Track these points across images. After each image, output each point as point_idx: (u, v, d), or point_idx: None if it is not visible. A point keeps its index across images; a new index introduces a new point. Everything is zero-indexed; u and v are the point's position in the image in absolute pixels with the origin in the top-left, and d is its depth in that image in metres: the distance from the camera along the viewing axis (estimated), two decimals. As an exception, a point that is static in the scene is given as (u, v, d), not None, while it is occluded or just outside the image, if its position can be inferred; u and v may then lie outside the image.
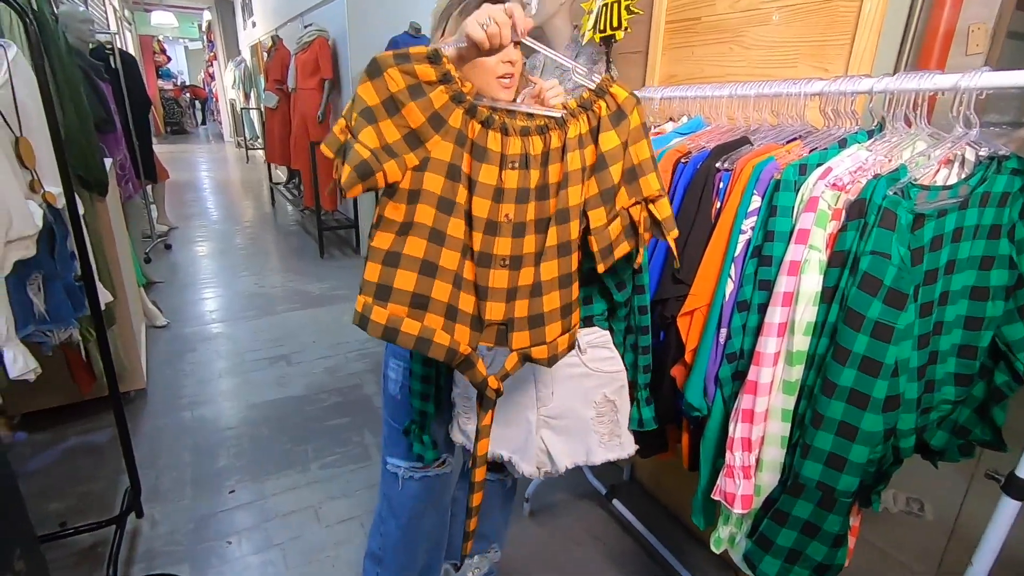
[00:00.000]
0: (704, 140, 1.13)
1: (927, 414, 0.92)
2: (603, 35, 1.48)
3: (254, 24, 7.93)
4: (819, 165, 0.88)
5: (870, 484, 0.92)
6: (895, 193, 0.77)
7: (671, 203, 1.05)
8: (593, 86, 0.77)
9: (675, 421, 1.14)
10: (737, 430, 0.91)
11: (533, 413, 1.01)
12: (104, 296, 1.60)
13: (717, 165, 1.01)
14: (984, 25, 1.13)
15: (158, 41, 11.91)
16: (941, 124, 0.88)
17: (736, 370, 0.95)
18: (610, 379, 1.03)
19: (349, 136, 0.71)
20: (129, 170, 3.26)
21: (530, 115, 0.75)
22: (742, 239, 0.94)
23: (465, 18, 0.92)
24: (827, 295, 0.82)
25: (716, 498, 0.95)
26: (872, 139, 0.93)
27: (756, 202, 0.93)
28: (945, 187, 0.83)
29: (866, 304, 0.76)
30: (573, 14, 1.70)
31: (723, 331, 0.96)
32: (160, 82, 11.83)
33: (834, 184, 0.83)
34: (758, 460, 0.91)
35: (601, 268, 0.82)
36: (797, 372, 0.86)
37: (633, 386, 1.07)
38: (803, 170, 0.89)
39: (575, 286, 0.83)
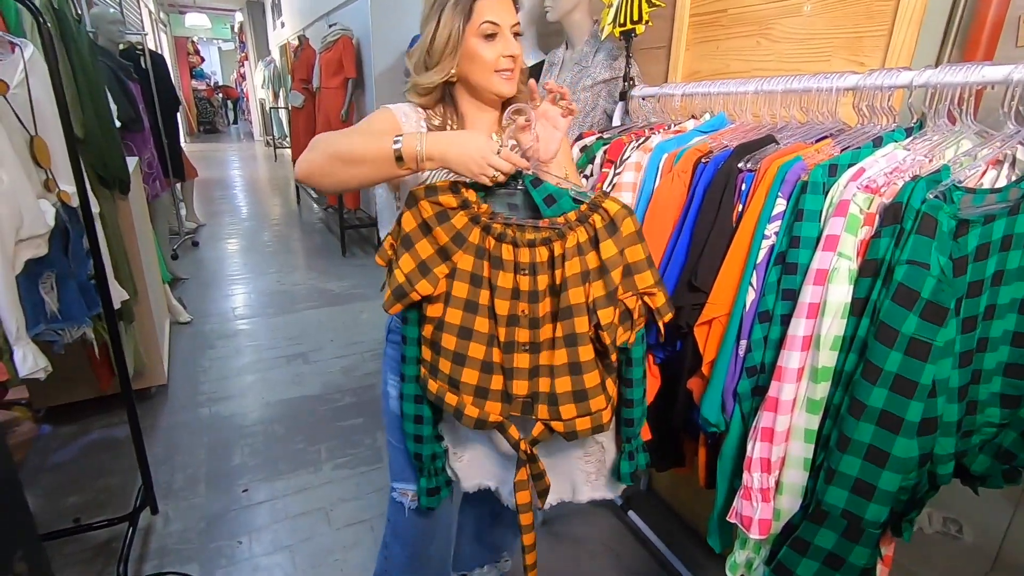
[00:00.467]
0: (727, 139, 1.07)
1: (968, 438, 0.85)
2: (623, 29, 1.41)
3: (283, 24, 8.05)
4: (851, 166, 0.82)
5: (901, 512, 0.85)
6: (936, 196, 0.70)
7: (689, 208, 1.00)
8: (588, 199, 0.87)
9: (691, 434, 1.09)
10: (756, 449, 0.85)
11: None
12: (119, 294, 1.61)
13: (740, 165, 0.95)
14: (1038, 13, 1.03)
15: (192, 42, 12.19)
16: (990, 122, 0.80)
17: (756, 385, 0.89)
18: None
19: (392, 255, 0.91)
20: (156, 168, 3.31)
21: (536, 227, 0.87)
22: (765, 245, 0.88)
23: (459, 14, 0.88)
24: (857, 307, 0.76)
25: (732, 520, 0.89)
26: (911, 137, 0.86)
27: (781, 205, 0.87)
28: (993, 190, 0.75)
29: (901, 318, 0.69)
30: (593, 8, 1.64)
31: (743, 343, 0.90)
32: (194, 82, 12.11)
33: (867, 186, 0.77)
34: (778, 483, 0.85)
35: (613, 358, 0.90)
36: (822, 390, 0.80)
37: (619, 438, 1.03)
38: (833, 171, 0.83)
39: (590, 375, 0.88)
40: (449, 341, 0.90)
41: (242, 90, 13.24)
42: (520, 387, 0.91)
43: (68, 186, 1.33)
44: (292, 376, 2.63)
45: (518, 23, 0.95)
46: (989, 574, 1.23)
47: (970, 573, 1.25)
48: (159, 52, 5.33)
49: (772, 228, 0.87)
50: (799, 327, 0.80)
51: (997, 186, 0.77)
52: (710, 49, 1.43)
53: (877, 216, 0.76)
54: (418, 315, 0.95)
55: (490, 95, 0.98)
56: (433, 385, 0.94)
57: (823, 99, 0.99)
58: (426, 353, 0.95)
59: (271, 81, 8.62)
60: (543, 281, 0.87)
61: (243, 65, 12.21)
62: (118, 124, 2.52)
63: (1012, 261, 0.77)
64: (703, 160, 1.01)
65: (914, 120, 0.89)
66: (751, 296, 0.89)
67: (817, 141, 0.96)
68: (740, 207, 0.94)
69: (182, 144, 5.02)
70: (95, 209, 1.39)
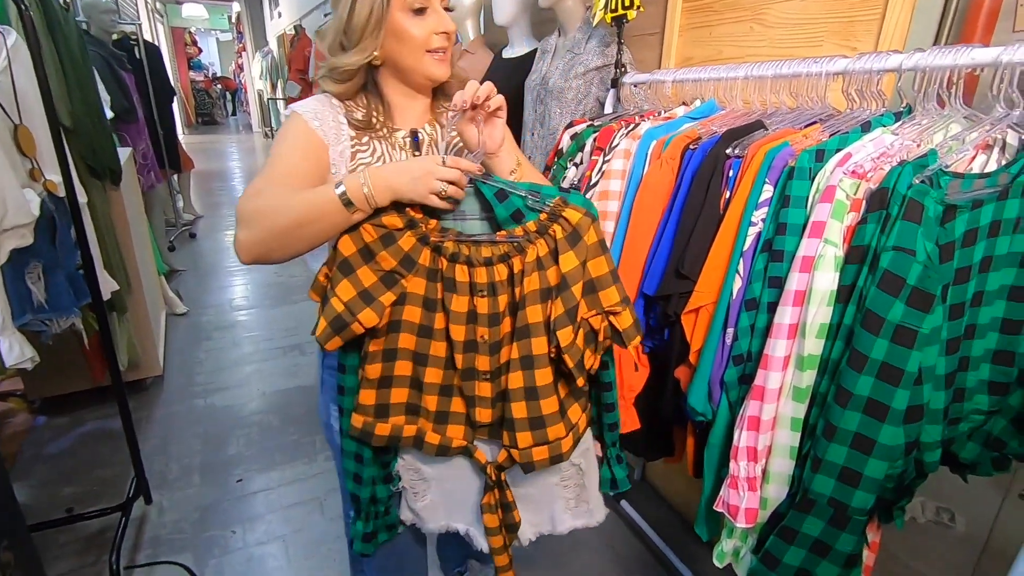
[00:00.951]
0: (716, 125, 1.06)
1: (956, 425, 0.84)
2: (614, 15, 1.39)
3: (280, 14, 7.99)
4: (838, 151, 0.80)
5: (890, 499, 0.85)
6: (923, 181, 0.69)
7: (677, 195, 0.98)
8: (548, 209, 0.78)
9: (681, 423, 1.08)
10: (742, 438, 0.85)
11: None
12: (109, 285, 1.61)
13: (727, 151, 0.93)
14: (1035, -4, 1.02)
15: (189, 33, 12.12)
16: (984, 108, 0.79)
17: (743, 373, 0.88)
18: None
19: (327, 284, 0.79)
20: (151, 159, 3.30)
21: (493, 242, 0.79)
22: (752, 232, 0.87)
23: None
24: (843, 294, 0.75)
25: (719, 509, 0.89)
26: (899, 122, 0.85)
27: (768, 191, 0.85)
28: (982, 175, 0.74)
29: (887, 305, 0.68)
30: (586, -6, 1.62)
31: (730, 331, 0.89)
32: (191, 73, 12.05)
33: (853, 171, 0.75)
34: (764, 471, 0.85)
35: (580, 382, 0.82)
36: (808, 378, 0.79)
37: (602, 444, 0.99)
38: (820, 156, 0.82)
39: (548, 401, 0.81)
40: (404, 367, 0.83)
41: (240, 81, 13.18)
42: (483, 415, 0.85)
43: (55, 175, 1.32)
44: (288, 367, 2.63)
45: None
46: (978, 562, 1.23)
47: (960, 561, 1.26)
48: (154, 42, 5.29)
49: (759, 215, 0.86)
50: (785, 315, 0.79)
51: (986, 171, 0.76)
52: (703, 35, 1.41)
53: (864, 202, 0.74)
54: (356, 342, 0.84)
55: (421, 79, 0.86)
56: (383, 428, 0.85)
57: (813, 84, 0.97)
58: (367, 397, 0.83)
59: (269, 72, 8.58)
60: (503, 301, 0.79)
61: (241, 56, 12.14)
62: (111, 115, 2.51)
63: (1000, 247, 0.75)
64: (691, 147, 1.00)
65: (904, 105, 0.88)
66: (738, 284, 0.88)
67: (806, 127, 0.95)
68: (728, 194, 0.93)
69: (179, 135, 4.99)
70: (83, 199, 1.38)
